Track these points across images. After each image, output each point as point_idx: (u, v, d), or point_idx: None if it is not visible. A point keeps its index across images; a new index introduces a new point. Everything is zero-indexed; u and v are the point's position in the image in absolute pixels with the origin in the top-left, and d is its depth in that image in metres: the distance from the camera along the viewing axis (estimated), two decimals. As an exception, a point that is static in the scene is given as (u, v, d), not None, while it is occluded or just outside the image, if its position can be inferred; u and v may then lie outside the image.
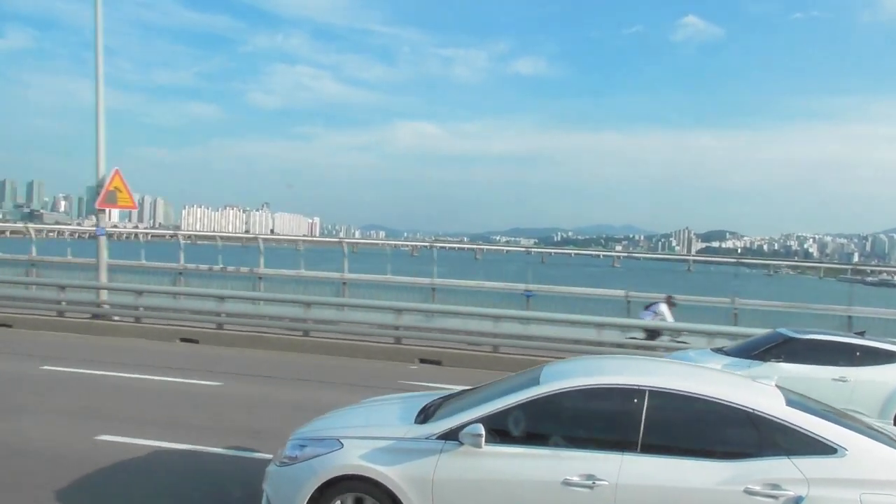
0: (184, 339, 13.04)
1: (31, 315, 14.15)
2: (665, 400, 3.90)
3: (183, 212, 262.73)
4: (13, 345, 11.73)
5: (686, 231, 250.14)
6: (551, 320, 13.17)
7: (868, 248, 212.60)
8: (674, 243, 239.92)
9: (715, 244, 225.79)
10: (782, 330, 9.07)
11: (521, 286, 16.89)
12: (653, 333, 12.35)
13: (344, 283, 17.96)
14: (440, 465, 3.92)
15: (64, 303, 14.56)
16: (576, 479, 3.74)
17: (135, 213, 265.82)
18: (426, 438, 4.03)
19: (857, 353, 8.23)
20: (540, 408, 3.99)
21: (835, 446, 3.68)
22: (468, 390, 4.91)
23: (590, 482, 3.72)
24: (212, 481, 5.69)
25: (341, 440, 4.16)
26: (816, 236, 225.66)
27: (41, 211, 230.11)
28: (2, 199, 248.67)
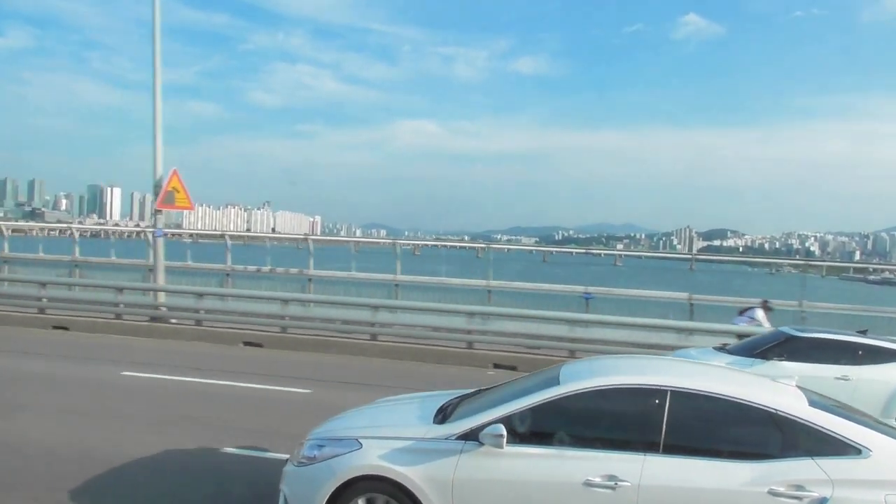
0: (247, 343, 12.81)
1: (88, 317, 13.96)
2: (687, 400, 3.87)
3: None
4: (80, 349, 11.55)
5: (687, 229, 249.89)
6: (632, 325, 12.54)
7: (869, 246, 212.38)
8: (675, 242, 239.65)
9: (716, 243, 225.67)
10: (785, 328, 9.08)
11: (581, 288, 16.37)
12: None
13: (396, 285, 17.53)
14: (460, 465, 3.90)
15: (122, 305, 14.33)
16: (598, 479, 3.71)
17: (136, 212, 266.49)
18: (446, 439, 4.01)
19: (860, 352, 8.23)
20: (561, 408, 3.96)
21: (858, 447, 3.66)
22: (484, 390, 4.89)
23: (612, 483, 3.70)
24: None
25: (360, 440, 4.14)
26: (818, 235, 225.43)
27: (42, 209, 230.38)
28: (3, 198, 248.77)
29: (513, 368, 11.53)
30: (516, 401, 4.05)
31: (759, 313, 12.23)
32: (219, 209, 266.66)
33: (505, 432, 3.80)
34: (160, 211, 14.89)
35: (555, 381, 4.16)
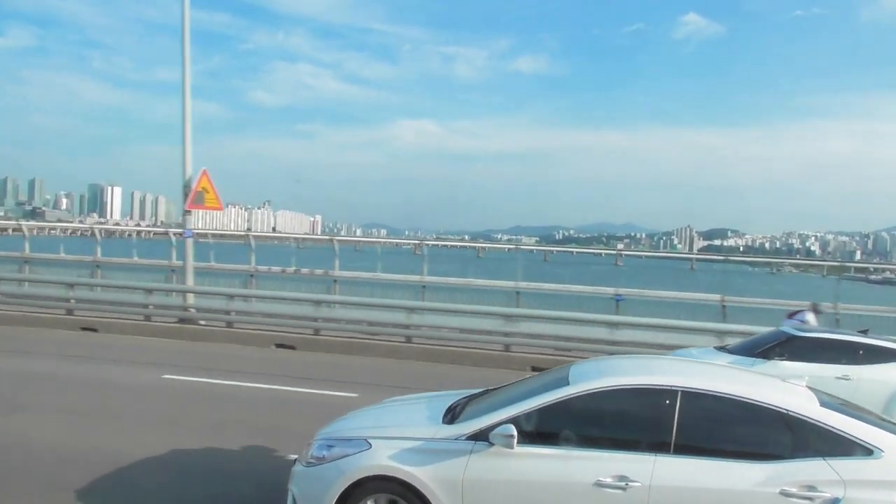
0: (279, 345, 12.66)
1: (117, 319, 13.79)
2: (698, 401, 3.86)
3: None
4: (114, 351, 11.40)
5: (688, 229, 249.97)
6: (670, 328, 12.20)
7: (870, 245, 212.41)
8: (676, 241, 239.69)
9: (717, 242, 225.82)
10: (786, 328, 9.05)
11: (611, 290, 16.07)
12: None
13: (423, 287, 17.21)
14: (470, 465, 3.89)
15: (151, 306, 14.19)
16: (608, 480, 3.70)
17: (136, 211, 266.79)
18: (455, 439, 4.00)
19: (861, 352, 8.20)
20: (571, 408, 3.95)
21: (871, 447, 3.65)
22: (492, 390, 4.88)
23: (623, 483, 3.69)
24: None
25: (369, 440, 4.13)
26: (818, 234, 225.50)
27: (43, 208, 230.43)
28: (3, 197, 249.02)
29: None
30: (526, 401, 4.04)
31: (809, 316, 11.69)
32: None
33: (516, 433, 3.79)
34: (189, 212, 14.69)
35: (564, 382, 4.14)
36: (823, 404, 3.94)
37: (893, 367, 8.04)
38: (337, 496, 4.00)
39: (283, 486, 4.44)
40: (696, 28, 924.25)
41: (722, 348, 9.22)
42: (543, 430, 3.93)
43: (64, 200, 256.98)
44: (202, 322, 13.79)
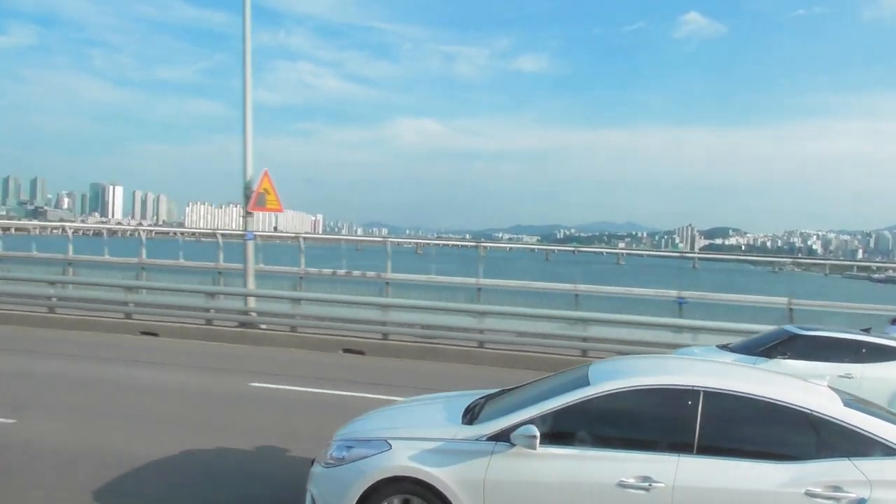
0: (347, 350, 12.37)
1: (177, 323, 13.49)
2: (720, 401, 3.83)
3: (186, 209, 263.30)
4: (183, 356, 11.12)
5: (689, 228, 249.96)
6: (748, 333, 11.25)
7: (872, 244, 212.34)
8: (677, 240, 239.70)
9: (718, 241, 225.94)
10: (788, 326, 9.03)
11: (674, 293, 15.67)
12: None
13: (478, 289, 16.83)
14: (491, 466, 3.86)
15: (213, 310, 13.87)
16: (631, 480, 3.68)
17: (138, 210, 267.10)
18: (476, 440, 3.97)
19: (863, 350, 8.17)
20: (592, 408, 3.92)
21: (895, 447, 3.63)
22: (509, 390, 4.85)
23: (646, 484, 3.66)
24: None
25: (389, 441, 4.10)
26: (820, 233, 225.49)
27: (45, 208, 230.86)
28: (5, 196, 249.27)
29: None
30: (547, 401, 4.00)
31: None
32: (220, 207, 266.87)
33: (538, 433, 3.77)
34: (251, 213, 14.33)
35: (584, 382, 4.12)
36: (847, 404, 3.91)
37: None
38: (357, 497, 3.97)
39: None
40: (698, 27, 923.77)
41: (724, 347, 9.16)
42: (565, 430, 3.90)
43: (66, 200, 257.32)
44: (263, 326, 13.50)
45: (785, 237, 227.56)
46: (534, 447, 3.78)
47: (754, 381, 4.08)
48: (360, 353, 12.31)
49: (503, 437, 3.90)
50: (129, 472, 5.68)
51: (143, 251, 19.41)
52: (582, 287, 16.49)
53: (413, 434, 4.15)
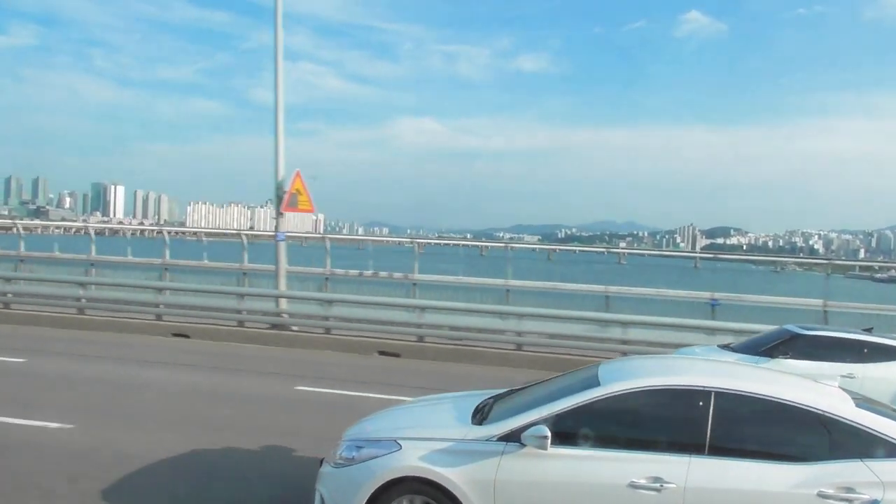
0: (382, 353, 12.25)
1: (208, 325, 13.34)
2: (731, 401, 3.83)
3: (188, 208, 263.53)
4: (219, 358, 10.99)
5: (690, 227, 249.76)
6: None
7: (873, 244, 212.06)
8: (678, 240, 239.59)
9: (719, 241, 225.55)
10: (790, 326, 8.99)
11: (707, 294, 15.54)
12: None
13: (507, 291, 16.77)
14: (502, 467, 3.86)
15: (244, 312, 13.73)
16: (642, 481, 3.68)
17: (139, 210, 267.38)
18: (486, 440, 3.97)
19: (865, 350, 8.15)
20: (603, 409, 3.92)
21: (908, 448, 3.62)
22: (517, 390, 4.84)
23: (657, 485, 3.66)
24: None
25: (399, 441, 4.10)
26: (821, 232, 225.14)
27: (47, 207, 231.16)
28: (7, 196, 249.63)
29: None
30: (557, 402, 4.00)
31: None
32: (221, 207, 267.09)
33: (549, 434, 3.76)
34: (282, 214, 14.18)
35: (594, 382, 4.11)
36: (858, 405, 3.91)
37: None
38: (367, 497, 3.98)
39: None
40: (699, 26, 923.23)
41: (726, 346, 9.15)
42: (575, 430, 3.89)
43: (67, 199, 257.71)
44: (294, 328, 13.35)
45: (786, 237, 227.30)
46: (545, 448, 3.77)
47: (765, 382, 4.08)
48: (396, 355, 12.17)
49: (514, 437, 3.90)
50: (203, 479, 5.60)
51: (167, 252, 19.25)
52: (613, 289, 16.27)
53: (423, 434, 4.15)
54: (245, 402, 8.27)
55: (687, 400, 3.87)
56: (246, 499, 5.34)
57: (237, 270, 18.71)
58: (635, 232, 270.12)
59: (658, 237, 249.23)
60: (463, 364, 11.68)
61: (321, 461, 4.52)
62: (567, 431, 3.87)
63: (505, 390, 4.99)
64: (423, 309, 13.22)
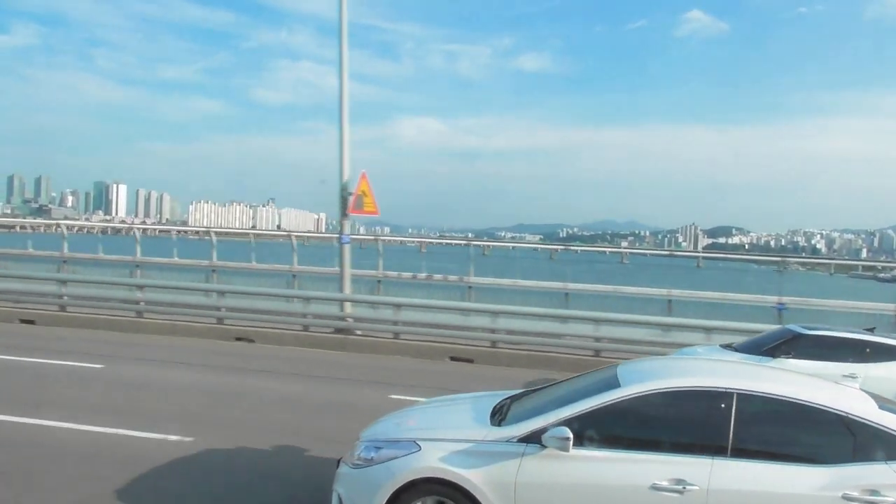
0: (454, 358, 12.01)
1: (273, 329, 13.07)
2: (754, 403, 3.81)
3: (190, 207, 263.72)
4: (302, 365, 10.85)
5: (692, 227, 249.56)
6: None
7: (876, 243, 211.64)
8: (680, 239, 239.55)
9: (721, 240, 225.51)
10: (792, 326, 8.98)
11: (772, 298, 15.21)
12: None
13: (566, 294, 16.45)
14: (522, 468, 3.84)
15: (310, 316, 13.44)
16: (665, 483, 3.65)
17: (141, 209, 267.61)
18: (507, 441, 3.94)
19: (867, 350, 8.13)
20: (624, 410, 3.89)
21: (932, 451, 3.59)
22: (534, 391, 4.83)
23: (680, 487, 3.63)
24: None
25: (418, 442, 4.08)
26: (824, 232, 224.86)
27: (49, 206, 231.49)
28: (10, 194, 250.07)
29: None
30: (577, 403, 3.97)
31: None
32: (223, 206, 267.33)
33: (571, 435, 3.74)
34: (347, 216, 13.99)
35: (614, 383, 4.09)
36: (882, 407, 3.88)
37: None
38: (387, 498, 3.95)
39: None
40: (700, 25, 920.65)
41: (728, 346, 9.12)
42: (596, 432, 3.86)
43: (70, 198, 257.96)
44: (358, 332, 13.10)
45: (788, 236, 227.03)
46: (567, 449, 3.75)
47: (787, 383, 4.05)
48: (469, 360, 11.97)
49: (534, 438, 3.87)
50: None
51: (214, 254, 18.94)
52: (676, 293, 15.96)
53: (442, 435, 4.13)
54: (347, 411, 7.96)
55: (709, 401, 3.84)
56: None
57: (286, 272, 18.39)
58: (637, 231, 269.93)
59: (660, 237, 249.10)
60: (538, 370, 11.35)
61: (338, 462, 4.50)
62: (588, 433, 3.85)
63: (521, 391, 4.97)
64: (496, 313, 12.85)
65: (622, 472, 3.74)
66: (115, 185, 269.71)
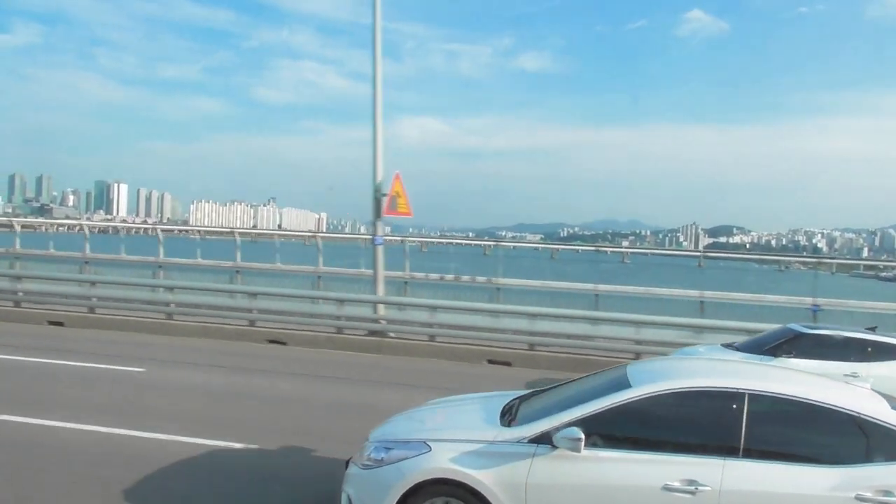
0: (491, 361, 11.80)
1: (306, 331, 12.89)
2: (766, 404, 3.79)
3: (192, 206, 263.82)
4: (339, 368, 10.67)
5: (693, 226, 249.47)
6: None
7: (877, 242, 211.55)
8: (681, 239, 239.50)
9: (722, 239, 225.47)
10: (793, 325, 8.95)
11: (808, 300, 14.78)
12: None
13: (596, 296, 16.22)
14: (534, 469, 3.83)
15: (343, 318, 13.22)
16: (677, 484, 3.64)
17: (142, 208, 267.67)
18: (517, 442, 3.93)
19: (869, 349, 8.11)
20: (635, 411, 3.88)
21: (945, 452, 3.58)
22: (542, 391, 4.82)
23: (692, 487, 3.62)
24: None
25: (428, 443, 4.07)
26: (825, 231, 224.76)
27: (50, 205, 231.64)
28: (11, 193, 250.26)
29: None
30: (588, 403, 3.96)
31: None
32: (224, 205, 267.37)
33: (583, 436, 3.73)
34: (380, 217, 13.79)
35: (625, 384, 4.07)
36: (894, 407, 3.87)
37: None
38: (397, 499, 3.95)
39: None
40: (701, 25, 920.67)
41: (729, 345, 9.09)
42: (607, 432, 3.85)
43: (71, 197, 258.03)
44: (392, 334, 12.91)
45: (789, 235, 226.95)
46: (578, 450, 3.74)
47: (799, 384, 4.04)
48: (507, 363, 11.78)
49: (545, 439, 3.86)
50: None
51: (238, 254, 18.67)
52: (708, 294, 15.70)
53: (453, 436, 4.12)
54: (389, 416, 7.74)
55: (721, 402, 3.83)
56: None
57: (311, 273, 18.14)
58: (638, 231, 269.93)
59: (661, 236, 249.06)
60: (578, 373, 11.17)
61: (347, 462, 4.49)
62: (599, 433, 3.84)
63: (529, 391, 4.96)
64: (534, 315, 12.63)
65: (634, 472, 3.73)
66: (116, 185, 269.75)
